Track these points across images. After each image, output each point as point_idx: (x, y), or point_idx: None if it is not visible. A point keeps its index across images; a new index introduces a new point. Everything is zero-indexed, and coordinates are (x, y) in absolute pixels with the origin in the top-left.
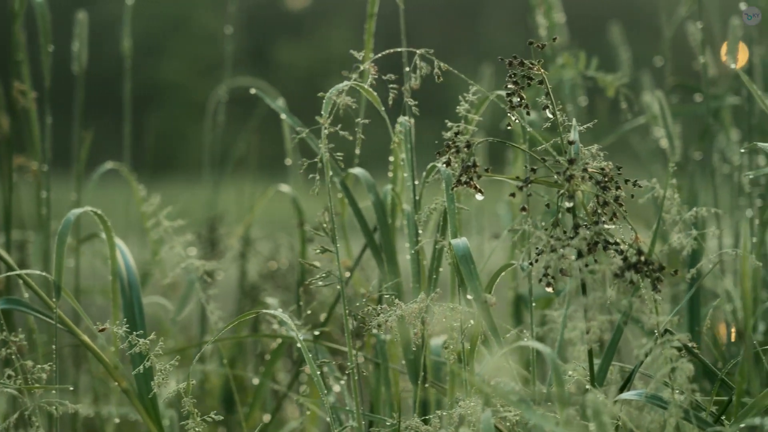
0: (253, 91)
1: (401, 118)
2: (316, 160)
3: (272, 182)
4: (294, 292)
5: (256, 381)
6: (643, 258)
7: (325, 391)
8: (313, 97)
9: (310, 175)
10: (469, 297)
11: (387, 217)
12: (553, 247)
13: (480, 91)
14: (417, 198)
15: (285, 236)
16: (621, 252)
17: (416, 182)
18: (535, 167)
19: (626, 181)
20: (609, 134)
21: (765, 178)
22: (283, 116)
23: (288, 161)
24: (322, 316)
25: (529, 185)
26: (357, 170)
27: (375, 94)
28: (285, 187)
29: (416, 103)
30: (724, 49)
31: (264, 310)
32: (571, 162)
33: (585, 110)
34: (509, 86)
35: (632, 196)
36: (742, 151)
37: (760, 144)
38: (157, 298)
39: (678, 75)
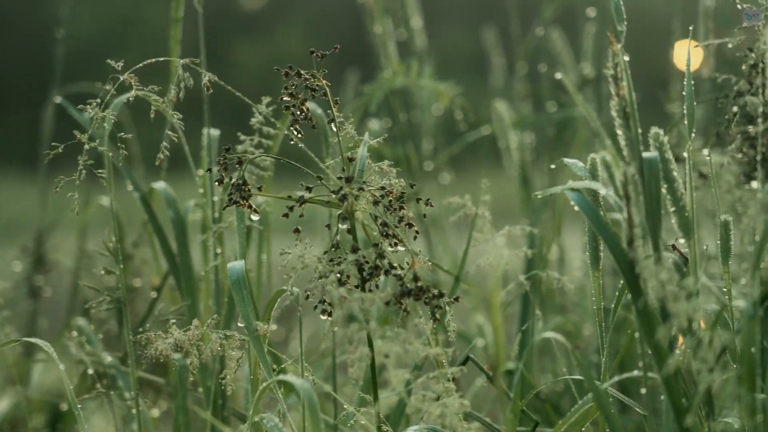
0: (57, 100)
1: (204, 129)
2: (73, 177)
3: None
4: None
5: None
6: (419, 284)
7: (86, 425)
8: (269, 96)
9: (69, 195)
10: (240, 324)
11: (186, 234)
12: (323, 273)
13: (272, 103)
14: (216, 215)
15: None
16: (400, 278)
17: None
18: (311, 186)
19: (417, 199)
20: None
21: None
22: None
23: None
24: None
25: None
26: (159, 185)
27: (164, 105)
28: (106, 200)
29: (181, 117)
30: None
31: (27, 338)
32: (348, 180)
33: (441, 119)
34: (285, 98)
35: (424, 215)
36: (552, 167)
37: (566, 160)
38: None
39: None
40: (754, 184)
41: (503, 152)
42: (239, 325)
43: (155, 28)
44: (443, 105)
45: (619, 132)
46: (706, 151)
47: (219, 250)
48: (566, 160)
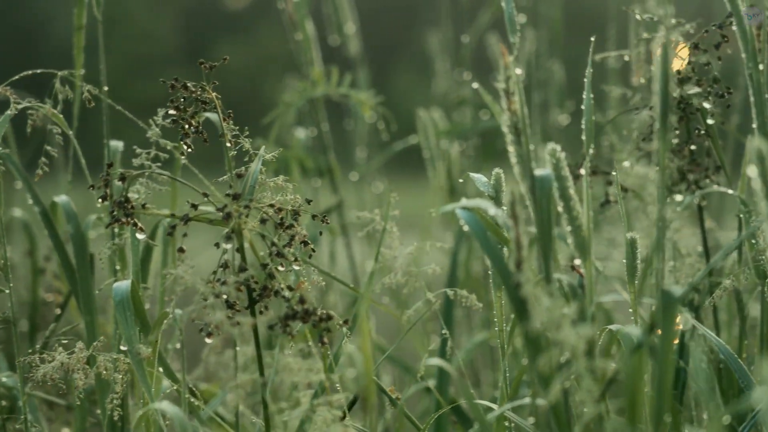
0: None
1: (112, 142)
2: None
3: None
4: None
5: None
6: (306, 307)
7: None
8: (252, 96)
9: None
10: (122, 347)
11: (86, 250)
12: (204, 295)
13: (169, 116)
14: (116, 230)
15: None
16: (287, 300)
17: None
18: (196, 203)
19: (313, 216)
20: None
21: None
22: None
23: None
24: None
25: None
26: (60, 198)
27: (62, 116)
28: (18, 211)
29: (64, 132)
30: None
31: None
32: (235, 197)
33: (372, 127)
34: (170, 112)
35: (320, 233)
36: (461, 180)
37: (472, 174)
38: None
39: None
40: (677, 197)
41: (427, 162)
42: (121, 348)
43: (139, 28)
44: (364, 113)
45: (510, 149)
46: (627, 164)
47: (119, 267)
48: (472, 174)
